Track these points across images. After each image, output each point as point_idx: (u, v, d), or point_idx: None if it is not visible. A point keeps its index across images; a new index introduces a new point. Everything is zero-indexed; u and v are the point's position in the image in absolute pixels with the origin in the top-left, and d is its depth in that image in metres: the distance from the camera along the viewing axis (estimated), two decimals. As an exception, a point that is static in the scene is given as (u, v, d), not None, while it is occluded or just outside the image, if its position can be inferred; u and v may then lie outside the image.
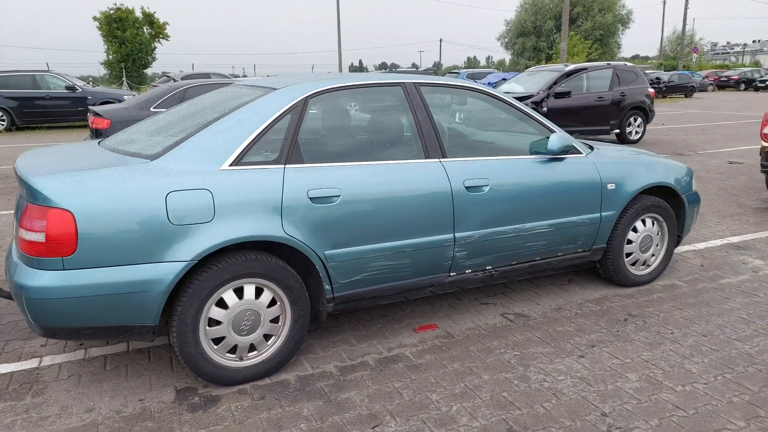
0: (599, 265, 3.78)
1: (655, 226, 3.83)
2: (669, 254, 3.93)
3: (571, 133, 5.00)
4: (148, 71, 37.93)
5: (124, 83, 30.34)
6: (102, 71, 38.13)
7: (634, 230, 3.75)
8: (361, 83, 3.01)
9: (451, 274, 3.13)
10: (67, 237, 2.27)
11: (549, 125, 3.45)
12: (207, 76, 16.03)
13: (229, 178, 2.53)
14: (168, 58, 59.76)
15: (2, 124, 14.26)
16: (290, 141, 2.71)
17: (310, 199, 2.65)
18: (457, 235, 3.04)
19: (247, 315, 2.61)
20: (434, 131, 3.06)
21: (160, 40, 37.86)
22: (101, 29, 35.57)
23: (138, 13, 36.10)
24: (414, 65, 69.17)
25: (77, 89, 14.71)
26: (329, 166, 2.75)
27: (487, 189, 3.09)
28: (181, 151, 2.55)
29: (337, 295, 2.82)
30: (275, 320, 2.71)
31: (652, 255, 3.88)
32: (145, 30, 36.83)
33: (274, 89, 2.86)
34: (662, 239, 3.90)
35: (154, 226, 2.37)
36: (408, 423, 2.34)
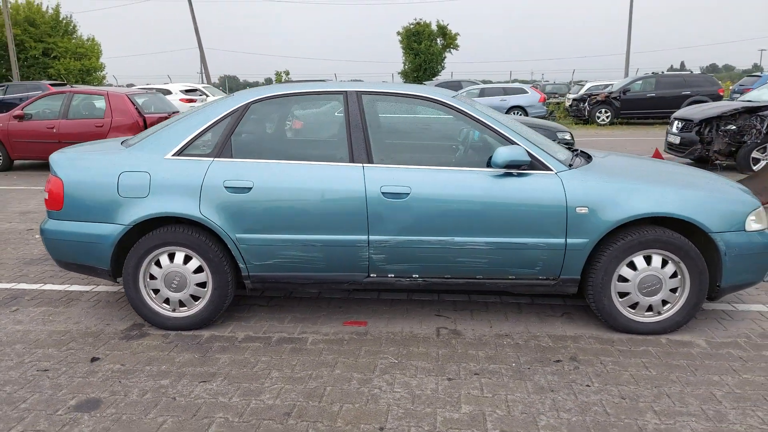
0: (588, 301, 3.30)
1: (669, 266, 3.15)
2: (693, 305, 3.17)
3: None
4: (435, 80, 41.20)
5: None
6: (397, 80, 42.84)
7: (632, 267, 3.16)
8: (303, 91, 3.36)
9: (371, 275, 3.24)
10: (58, 196, 3.27)
11: (511, 137, 3.20)
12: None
13: (166, 165, 3.22)
14: (455, 67, 63.60)
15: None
16: (225, 139, 3.26)
17: (225, 187, 3.16)
18: (371, 237, 3.15)
19: (176, 276, 3.27)
20: (364, 137, 3.21)
21: (451, 50, 40.76)
22: (402, 42, 40.08)
23: (434, 26, 39.53)
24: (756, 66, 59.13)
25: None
26: (249, 161, 3.21)
27: (407, 197, 3.11)
28: (146, 142, 3.34)
29: (251, 274, 3.26)
30: (202, 285, 3.31)
31: (665, 301, 3.20)
32: (438, 41, 40.13)
33: (233, 96, 3.43)
34: (683, 285, 3.17)
35: (109, 196, 3.21)
36: (228, 386, 2.69)
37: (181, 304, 3.34)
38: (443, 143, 3.39)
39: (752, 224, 3.16)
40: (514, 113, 17.51)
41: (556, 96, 26.52)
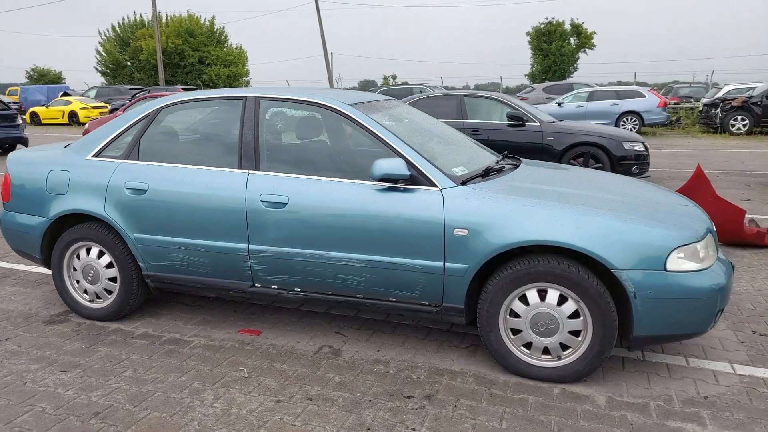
0: (483, 334, 2.95)
1: (568, 305, 2.70)
2: (596, 353, 2.69)
3: None
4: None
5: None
6: (521, 82, 41.31)
7: (524, 302, 2.77)
8: (207, 97, 3.39)
9: (256, 285, 3.19)
10: (6, 190, 3.64)
11: (398, 148, 2.95)
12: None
13: (83, 165, 3.43)
14: (590, 68, 59.15)
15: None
16: (134, 142, 3.40)
17: (126, 189, 3.29)
18: (251, 246, 3.09)
19: (92, 269, 3.48)
20: (254, 143, 3.16)
21: (586, 50, 38.45)
22: (531, 43, 38.62)
23: (567, 26, 37.55)
24: None
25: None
26: (147, 164, 3.31)
27: (285, 207, 3.01)
28: (79, 142, 3.59)
29: (150, 274, 3.37)
30: (114, 280, 3.48)
31: (564, 345, 2.75)
32: (571, 41, 38.06)
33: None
34: (585, 327, 2.71)
35: (39, 191, 3.51)
36: (77, 379, 2.80)
37: (97, 296, 3.54)
38: (338, 152, 3.21)
39: (678, 263, 2.60)
40: (626, 120, 16.06)
41: (690, 100, 23.72)
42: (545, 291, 2.73)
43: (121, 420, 2.46)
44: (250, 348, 3.16)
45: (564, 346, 2.76)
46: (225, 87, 36.89)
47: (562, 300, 2.71)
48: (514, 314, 2.80)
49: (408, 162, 2.91)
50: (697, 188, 5.16)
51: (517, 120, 7.98)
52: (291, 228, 3.01)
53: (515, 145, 8.01)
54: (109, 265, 3.46)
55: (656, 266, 2.58)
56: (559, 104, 16.63)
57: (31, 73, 44.64)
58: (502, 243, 2.69)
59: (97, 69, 38.72)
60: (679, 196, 3.34)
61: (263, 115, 3.23)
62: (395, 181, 2.86)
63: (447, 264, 2.80)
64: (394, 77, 40.57)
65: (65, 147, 3.70)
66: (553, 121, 8.31)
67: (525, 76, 40.13)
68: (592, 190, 3.03)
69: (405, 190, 2.88)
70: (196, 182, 3.18)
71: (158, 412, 2.52)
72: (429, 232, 2.80)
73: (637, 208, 2.80)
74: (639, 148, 7.92)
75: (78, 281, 3.55)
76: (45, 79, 43.70)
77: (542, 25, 38.07)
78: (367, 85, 51.09)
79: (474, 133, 8.26)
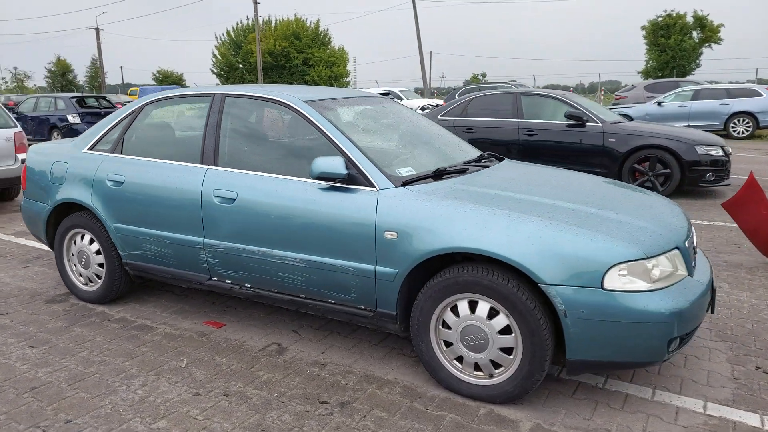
0: (422, 344, 2.79)
1: (499, 319, 2.49)
2: (526, 375, 2.45)
3: None
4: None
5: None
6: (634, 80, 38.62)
7: (456, 313, 2.58)
8: (187, 93, 3.50)
9: (213, 278, 3.25)
10: (24, 179, 4.01)
11: (342, 146, 2.86)
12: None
13: (78, 157, 3.69)
14: (714, 64, 53.45)
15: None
16: (120, 137, 3.60)
17: (108, 180, 3.50)
18: (206, 240, 3.16)
19: (84, 255, 3.74)
20: (215, 139, 3.22)
21: (710, 44, 35.24)
22: (647, 38, 36.04)
23: (689, 18, 34.62)
24: None
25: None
26: (125, 157, 3.49)
27: (234, 203, 3.04)
28: (81, 137, 3.87)
29: (127, 262, 3.55)
30: (101, 266, 3.71)
31: (496, 363, 2.53)
32: (694, 34, 35.05)
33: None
34: (517, 345, 2.47)
35: (45, 181, 3.83)
36: (41, 354, 3.03)
37: (90, 279, 3.79)
38: (290, 149, 3.17)
39: (619, 280, 2.29)
40: (737, 122, 14.49)
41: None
42: (477, 303, 2.53)
43: (49, 397, 2.62)
44: (205, 340, 3.23)
45: (496, 364, 2.54)
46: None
47: (493, 314, 2.50)
48: (446, 325, 2.62)
49: (350, 161, 2.82)
50: (749, 199, 4.53)
51: (576, 120, 7.48)
52: (239, 224, 3.03)
53: (573, 148, 7.52)
54: (98, 252, 3.70)
55: (591, 283, 2.30)
56: (659, 103, 15.36)
57: (157, 75, 49.01)
58: (429, 249, 2.53)
59: (212, 71, 41.63)
60: (670, 207, 2.95)
61: (226, 111, 3.29)
62: (333, 179, 2.78)
63: (378, 268, 2.68)
64: (484, 75, 39.73)
65: (71, 142, 4.00)
66: (619, 122, 7.69)
67: (638, 73, 37.55)
68: (554, 197, 2.75)
69: (345, 190, 2.80)
70: (164, 176, 3.31)
71: (84, 393, 2.65)
72: (362, 233, 2.69)
73: (587, 219, 2.51)
74: (716, 152, 7.12)
75: (75, 265, 3.83)
76: (168, 80, 47.79)
77: (660, 18, 35.41)
78: (468, 84, 50.44)
79: (528, 134, 7.86)
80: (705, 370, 2.86)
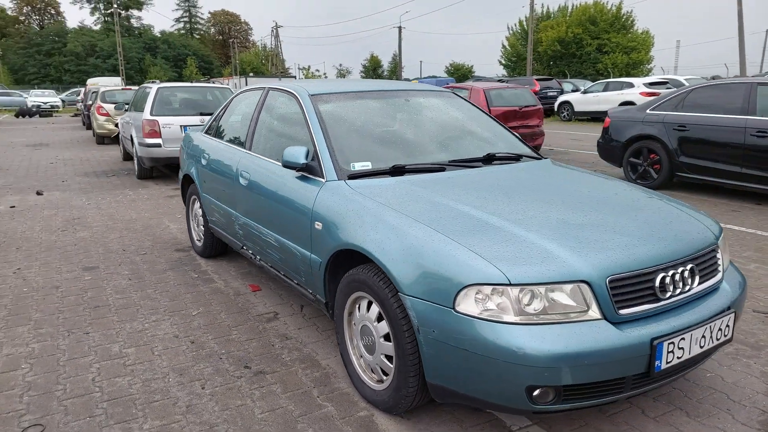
0: (354, 337, 2.81)
1: (384, 324, 2.38)
2: (395, 387, 2.29)
3: None
4: None
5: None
6: None
7: (360, 309, 2.55)
8: (253, 87, 4.01)
9: (243, 247, 3.74)
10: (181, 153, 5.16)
11: (314, 137, 2.99)
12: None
13: (194, 139, 4.59)
14: None
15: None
16: (216, 122, 4.35)
17: (202, 159, 4.29)
18: (235, 213, 3.68)
19: (195, 215, 4.67)
20: (253, 128, 3.68)
21: None
22: None
23: None
24: None
25: None
26: (209, 139, 4.25)
27: (246, 182, 3.47)
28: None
29: (210, 226, 4.31)
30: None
31: (381, 368, 2.43)
32: None
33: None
34: (395, 354, 2.33)
35: (183, 157, 4.87)
36: (93, 283, 3.99)
37: (197, 238, 4.70)
38: (294, 138, 3.34)
39: (474, 305, 1.98)
40: None
41: None
42: (371, 303, 2.46)
43: (91, 310, 3.49)
44: (233, 298, 3.77)
45: (383, 371, 2.44)
46: (622, 77, 35.18)
47: (381, 318, 2.40)
48: (354, 321, 2.60)
49: (315, 152, 2.96)
50: None
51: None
52: (250, 201, 3.45)
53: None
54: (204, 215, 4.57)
55: (444, 302, 2.04)
56: None
57: (449, 68, 52.08)
58: (336, 243, 2.56)
59: (500, 62, 42.38)
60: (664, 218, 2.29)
61: (265, 103, 3.71)
62: (294, 168, 2.97)
63: (312, 255, 2.80)
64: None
65: None
66: None
67: None
68: (489, 208, 2.40)
69: (304, 179, 2.96)
70: (223, 157, 3.93)
71: (113, 315, 3.44)
72: (303, 221, 2.84)
73: (477, 232, 2.17)
74: None
75: (197, 226, 4.78)
76: (459, 73, 50.35)
77: None
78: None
79: (759, 135, 6.28)
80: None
